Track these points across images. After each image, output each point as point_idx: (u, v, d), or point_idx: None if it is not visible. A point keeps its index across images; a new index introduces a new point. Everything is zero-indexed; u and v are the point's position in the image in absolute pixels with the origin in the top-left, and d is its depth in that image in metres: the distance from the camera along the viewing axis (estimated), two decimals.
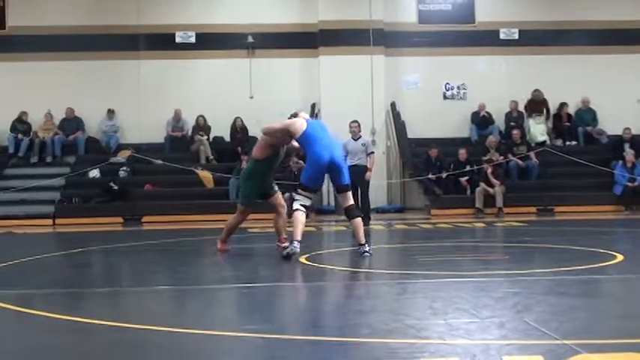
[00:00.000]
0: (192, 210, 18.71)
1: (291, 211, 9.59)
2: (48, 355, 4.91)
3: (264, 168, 10.03)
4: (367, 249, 9.43)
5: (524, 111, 21.66)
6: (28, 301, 6.76)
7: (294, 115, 10.03)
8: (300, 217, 9.38)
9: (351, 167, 15.83)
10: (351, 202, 9.62)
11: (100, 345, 5.13)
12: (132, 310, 6.63)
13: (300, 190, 9.57)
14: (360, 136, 16.45)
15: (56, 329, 5.62)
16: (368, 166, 16.08)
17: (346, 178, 9.60)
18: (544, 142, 20.91)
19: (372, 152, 16.45)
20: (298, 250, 9.18)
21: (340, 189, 9.67)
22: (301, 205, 9.42)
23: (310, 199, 9.63)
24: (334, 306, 6.76)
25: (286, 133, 9.69)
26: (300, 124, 9.56)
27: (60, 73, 21.43)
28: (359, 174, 15.75)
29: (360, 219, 9.60)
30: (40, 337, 5.41)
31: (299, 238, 9.24)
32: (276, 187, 10.34)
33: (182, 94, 21.56)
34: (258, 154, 10.00)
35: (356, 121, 16.62)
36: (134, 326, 5.49)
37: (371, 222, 15.92)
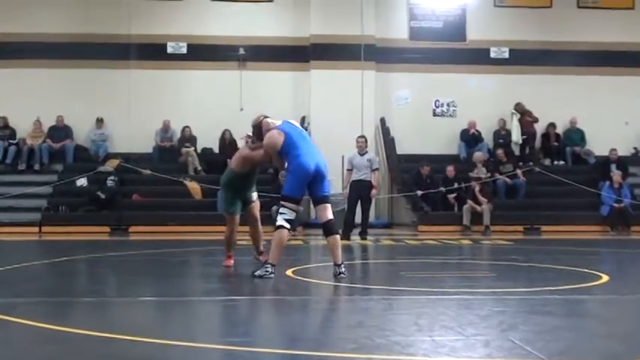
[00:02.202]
0: (179, 221, 18.68)
1: (275, 227, 8.96)
2: None
3: (242, 180, 9.87)
4: (343, 270, 8.83)
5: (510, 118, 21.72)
6: (12, 309, 6.71)
7: (258, 126, 9.33)
8: (283, 236, 8.80)
9: (354, 182, 15.90)
10: (331, 216, 8.97)
11: (84, 355, 5.10)
12: (116, 320, 6.59)
13: (284, 203, 8.85)
14: (367, 152, 16.39)
15: (40, 338, 5.59)
16: (373, 183, 16.03)
17: (326, 189, 9.02)
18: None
19: (377, 169, 16.39)
20: (272, 276, 8.71)
21: (320, 200, 9.01)
22: (286, 220, 8.78)
23: (295, 212, 8.98)
24: (320, 320, 6.75)
25: (269, 152, 9.18)
26: (277, 135, 8.92)
27: (50, 80, 21.41)
28: (362, 189, 15.79)
29: (338, 236, 9.00)
30: (24, 346, 5.38)
31: (275, 262, 8.80)
32: (254, 196, 10.12)
33: (172, 105, 21.56)
34: (236, 166, 9.81)
35: (363, 136, 16.64)
36: (118, 337, 5.46)
37: (356, 237, 15.92)
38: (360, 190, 15.83)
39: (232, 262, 10.13)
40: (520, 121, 21.44)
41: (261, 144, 9.31)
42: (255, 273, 8.83)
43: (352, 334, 5.71)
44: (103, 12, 21.81)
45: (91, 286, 9.37)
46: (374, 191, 15.99)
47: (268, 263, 8.81)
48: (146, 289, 8.68)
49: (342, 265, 8.89)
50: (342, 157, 18.64)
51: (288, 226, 8.83)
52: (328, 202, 9.07)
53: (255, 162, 9.75)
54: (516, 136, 21.41)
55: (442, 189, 19.19)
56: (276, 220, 8.94)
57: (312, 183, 8.90)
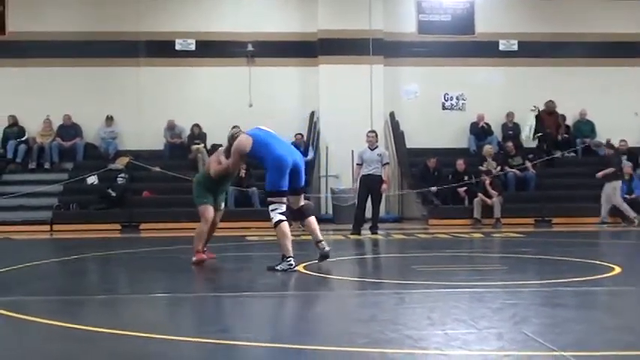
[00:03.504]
0: (190, 217, 18.65)
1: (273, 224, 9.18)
2: None
3: (215, 185, 10.04)
4: (326, 244, 9.42)
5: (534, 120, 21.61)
6: (24, 307, 6.74)
7: (235, 137, 9.60)
8: (285, 229, 9.06)
9: (364, 176, 15.85)
10: (303, 202, 9.56)
11: (96, 352, 5.12)
12: (128, 317, 6.61)
13: (272, 199, 9.15)
14: (377, 146, 16.26)
15: (52, 336, 5.61)
16: (383, 178, 15.96)
17: (303, 181, 9.47)
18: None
19: (387, 163, 16.18)
20: (295, 268, 8.98)
21: (298, 191, 9.44)
22: (280, 213, 9.06)
23: (284, 203, 9.21)
24: (332, 315, 6.75)
25: (240, 157, 9.57)
26: (245, 139, 9.32)
27: (59, 78, 21.44)
28: (373, 183, 15.72)
29: (313, 217, 9.49)
30: (36, 344, 5.40)
31: (291, 253, 9.01)
32: (222, 206, 10.37)
33: (181, 102, 21.57)
34: (212, 171, 9.94)
35: (373, 131, 16.52)
36: (130, 334, 5.48)
37: (367, 232, 15.92)
38: (369, 185, 15.78)
39: (205, 256, 10.03)
40: (537, 117, 21.32)
41: (229, 164, 9.68)
42: (277, 267, 8.97)
43: (364, 328, 5.71)
44: (111, 10, 21.84)
45: (103, 284, 9.38)
46: (384, 186, 15.92)
47: (287, 256, 8.97)
48: (158, 285, 8.69)
49: (324, 241, 9.44)
50: (352, 151, 18.65)
51: (284, 218, 9.10)
52: (303, 192, 9.61)
53: (233, 170, 9.95)
54: (528, 132, 21.27)
55: (450, 182, 19.15)
56: (271, 218, 9.13)
57: (292, 176, 9.23)
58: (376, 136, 16.41)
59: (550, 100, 21.41)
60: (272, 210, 9.09)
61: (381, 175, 15.83)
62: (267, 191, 9.26)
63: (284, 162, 9.09)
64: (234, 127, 10.03)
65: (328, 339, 5.49)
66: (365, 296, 7.73)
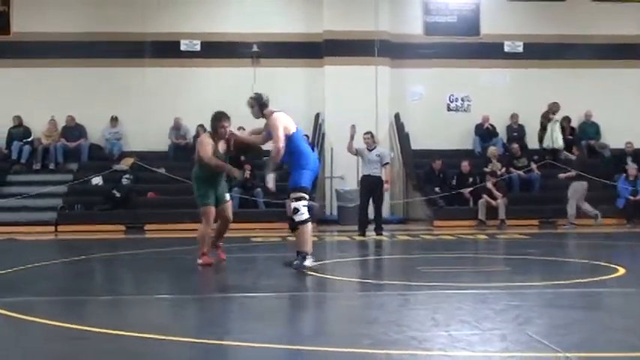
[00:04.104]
0: (194, 218, 18.65)
1: (297, 223, 9.23)
2: None
3: (213, 174, 9.93)
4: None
5: (541, 119, 21.50)
6: (28, 308, 6.75)
7: (265, 104, 9.78)
8: (309, 229, 9.27)
9: (364, 177, 15.86)
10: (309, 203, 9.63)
11: (99, 353, 5.12)
12: (133, 318, 6.62)
13: (303, 194, 9.20)
14: (375, 147, 16.19)
15: (55, 336, 5.62)
16: (384, 178, 15.93)
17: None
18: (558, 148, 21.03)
19: (387, 163, 16.09)
20: (311, 264, 9.12)
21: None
22: (305, 212, 9.19)
23: (307, 201, 9.37)
24: (336, 316, 6.75)
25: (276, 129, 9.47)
26: (292, 123, 9.54)
27: (64, 79, 21.44)
28: (372, 184, 15.70)
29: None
30: (39, 344, 5.41)
31: (311, 250, 9.24)
32: (227, 196, 10.18)
33: (186, 102, 21.55)
34: (204, 156, 9.85)
35: (369, 132, 16.40)
36: (134, 334, 5.48)
37: (371, 233, 15.92)
38: (370, 186, 15.77)
39: (212, 259, 9.98)
40: (562, 124, 21.28)
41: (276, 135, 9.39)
42: (294, 263, 9.12)
43: (369, 329, 5.72)
44: (116, 10, 21.84)
45: (107, 285, 9.41)
46: (386, 185, 15.89)
47: (309, 253, 9.17)
48: (163, 286, 8.71)
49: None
50: (356, 150, 18.63)
51: (310, 218, 9.28)
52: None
53: (279, 149, 9.45)
54: (557, 140, 21.16)
55: (454, 184, 19.15)
56: (293, 215, 9.13)
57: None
58: (372, 137, 16.27)
59: (554, 102, 21.36)
60: (299, 207, 9.14)
61: (380, 176, 15.81)
62: (299, 186, 9.25)
63: (317, 168, 9.47)
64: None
65: (332, 340, 5.49)
66: (369, 297, 7.73)
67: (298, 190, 9.20)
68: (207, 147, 9.86)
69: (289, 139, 9.34)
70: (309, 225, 9.25)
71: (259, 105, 9.73)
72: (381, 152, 16.14)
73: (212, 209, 9.93)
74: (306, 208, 9.15)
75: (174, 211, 18.88)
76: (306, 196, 9.24)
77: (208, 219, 9.92)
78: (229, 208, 10.11)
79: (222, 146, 10.04)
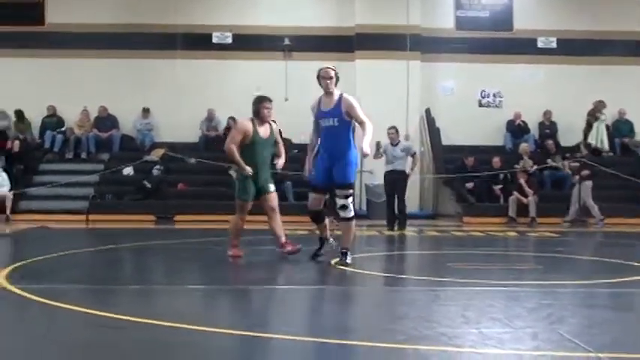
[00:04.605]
0: (225, 210, 18.71)
1: (342, 218, 9.17)
2: (77, 349, 4.93)
3: (251, 161, 9.75)
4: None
5: (587, 117, 21.32)
6: (60, 295, 6.79)
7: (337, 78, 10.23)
8: (354, 225, 9.24)
9: (388, 172, 15.85)
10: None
11: (130, 341, 5.14)
12: (163, 308, 6.64)
13: (349, 192, 9.11)
14: (399, 142, 16.21)
15: (86, 324, 5.65)
16: (409, 168, 15.96)
17: None
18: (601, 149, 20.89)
19: (415, 153, 16.29)
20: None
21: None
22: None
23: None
24: (365, 311, 6.74)
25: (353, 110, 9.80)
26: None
27: (97, 70, 21.62)
28: (396, 180, 15.72)
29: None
30: (71, 331, 5.45)
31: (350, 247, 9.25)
32: (272, 187, 9.96)
33: (217, 94, 21.64)
34: (226, 142, 9.87)
35: (393, 127, 16.39)
36: (165, 324, 5.50)
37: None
38: (393, 181, 15.80)
39: (241, 252, 9.90)
40: (607, 126, 21.12)
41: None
42: (347, 261, 9.03)
43: (398, 324, 5.69)
44: (149, 2, 21.99)
45: (138, 274, 9.46)
46: (408, 170, 15.90)
47: (349, 251, 9.13)
48: (193, 277, 8.73)
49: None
50: (377, 143, 18.60)
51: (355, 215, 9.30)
52: None
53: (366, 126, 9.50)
54: (603, 142, 21.02)
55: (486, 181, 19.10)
56: (340, 210, 9.09)
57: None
58: (397, 132, 16.26)
59: (600, 101, 21.06)
60: (348, 203, 9.06)
61: (404, 170, 15.81)
62: (346, 184, 9.14)
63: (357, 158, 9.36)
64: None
65: (361, 334, 5.48)
66: (399, 292, 7.70)
67: (348, 187, 9.10)
68: (236, 136, 9.85)
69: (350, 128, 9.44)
70: (354, 222, 9.20)
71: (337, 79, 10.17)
72: (406, 146, 16.14)
73: (248, 205, 9.85)
74: (351, 207, 9.07)
75: (204, 202, 18.97)
76: (351, 193, 9.15)
77: (242, 212, 9.85)
78: (273, 199, 9.90)
79: (264, 131, 9.97)
